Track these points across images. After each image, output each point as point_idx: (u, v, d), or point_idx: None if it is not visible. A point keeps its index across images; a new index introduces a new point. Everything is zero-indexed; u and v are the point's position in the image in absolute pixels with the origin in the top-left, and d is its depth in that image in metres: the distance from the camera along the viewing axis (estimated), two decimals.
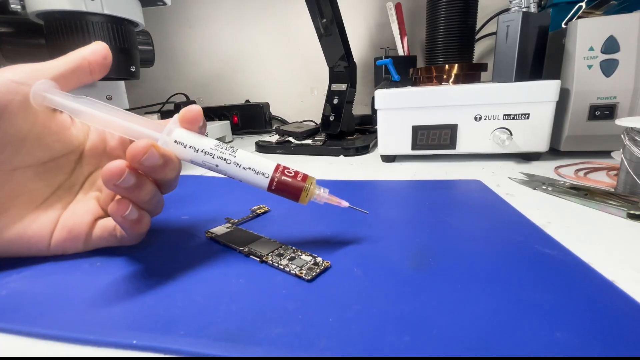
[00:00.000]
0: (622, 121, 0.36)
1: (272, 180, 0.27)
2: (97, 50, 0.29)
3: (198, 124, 0.28)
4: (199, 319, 0.21)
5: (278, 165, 0.28)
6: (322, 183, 0.47)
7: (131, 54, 0.53)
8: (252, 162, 0.27)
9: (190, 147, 0.27)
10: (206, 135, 0.29)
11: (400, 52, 0.80)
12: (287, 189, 0.27)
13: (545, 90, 0.49)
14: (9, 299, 0.23)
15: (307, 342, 0.18)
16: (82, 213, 0.29)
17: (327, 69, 0.74)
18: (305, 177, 0.28)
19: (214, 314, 0.21)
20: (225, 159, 0.27)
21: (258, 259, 0.27)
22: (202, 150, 0.27)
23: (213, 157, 0.27)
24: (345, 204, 0.30)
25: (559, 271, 0.24)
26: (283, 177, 0.27)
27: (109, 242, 0.30)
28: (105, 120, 0.26)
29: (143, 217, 0.27)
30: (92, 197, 0.30)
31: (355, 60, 0.73)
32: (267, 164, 0.28)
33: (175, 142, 0.27)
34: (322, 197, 0.29)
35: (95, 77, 0.30)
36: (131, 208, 0.26)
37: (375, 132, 0.74)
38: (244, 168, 0.27)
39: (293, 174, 0.28)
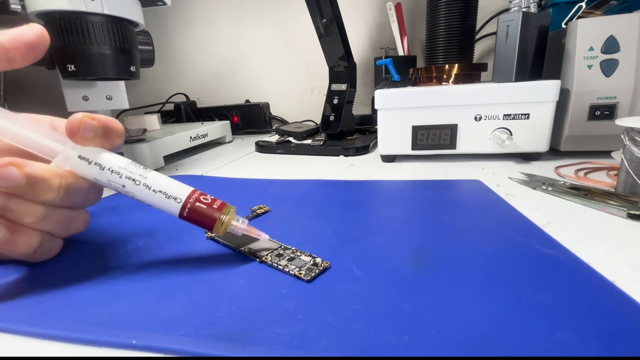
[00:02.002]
0: (622, 121, 0.36)
1: (184, 206, 0.25)
2: (20, 36, 0.24)
3: (79, 135, 0.25)
4: (198, 318, 0.21)
5: (194, 191, 0.26)
6: (322, 183, 0.47)
7: (131, 54, 0.53)
8: (163, 185, 0.26)
9: (95, 164, 0.25)
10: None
11: (400, 52, 0.80)
12: (201, 217, 0.26)
13: (545, 90, 0.49)
14: (9, 299, 0.23)
15: (307, 342, 0.18)
16: None
17: (327, 68, 0.74)
18: (222, 206, 0.26)
19: (213, 314, 0.21)
20: (134, 180, 0.25)
21: (257, 259, 0.27)
22: (108, 169, 0.25)
23: (120, 177, 0.25)
24: (265, 236, 0.28)
25: (558, 271, 0.24)
26: (197, 204, 0.26)
27: None
28: None
29: (17, 237, 0.25)
30: None
31: (355, 60, 0.73)
32: (181, 188, 0.26)
33: (80, 157, 0.25)
34: (240, 228, 0.27)
35: (15, 65, 0.25)
36: None
37: (375, 132, 0.74)
38: (154, 191, 0.25)
39: (209, 201, 0.26)
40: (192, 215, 0.26)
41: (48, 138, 0.25)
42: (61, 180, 0.25)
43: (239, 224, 0.27)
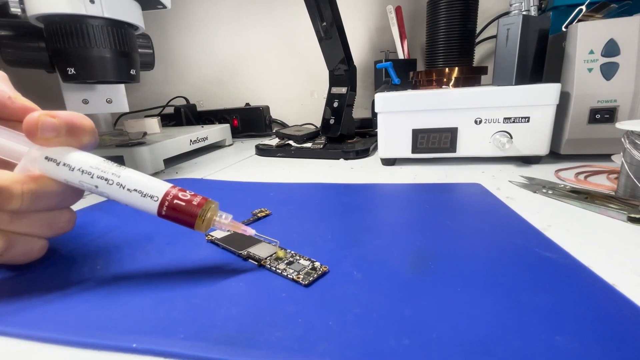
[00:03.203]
0: (623, 124, 0.36)
1: (161, 204, 0.24)
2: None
3: (39, 135, 0.24)
4: (198, 322, 0.21)
5: (171, 187, 0.25)
6: (323, 186, 0.47)
7: (131, 57, 0.53)
8: (138, 183, 0.24)
9: (64, 164, 0.24)
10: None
11: (401, 56, 0.80)
12: (180, 215, 0.25)
13: (546, 94, 0.49)
14: (9, 302, 0.23)
15: (307, 346, 0.18)
16: None
17: (327, 72, 0.74)
18: (202, 202, 0.25)
19: (213, 317, 0.21)
20: (106, 179, 0.24)
21: (256, 263, 0.27)
22: (78, 169, 0.24)
23: (92, 177, 0.24)
24: (251, 232, 0.27)
25: (559, 274, 0.24)
26: (175, 202, 0.24)
27: None
28: None
29: None
30: None
31: (355, 63, 0.73)
32: (158, 185, 0.25)
33: (47, 158, 0.24)
34: (223, 224, 0.26)
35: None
36: None
37: (375, 135, 0.74)
38: (128, 190, 0.24)
39: (188, 197, 0.25)
40: (171, 214, 0.25)
41: (14, 140, 0.24)
42: (23, 186, 0.23)
43: (223, 220, 0.26)
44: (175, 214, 0.25)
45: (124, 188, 0.24)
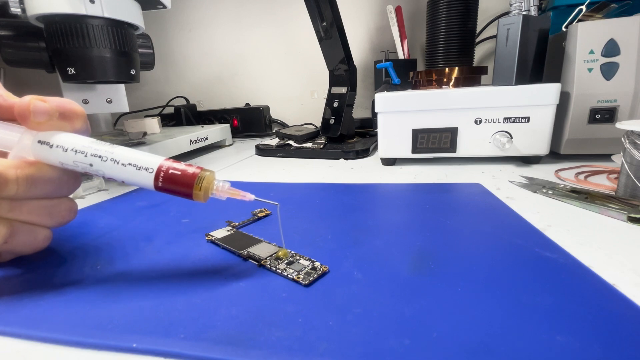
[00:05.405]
0: (623, 124, 0.36)
1: (157, 175, 0.24)
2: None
3: (31, 119, 0.24)
4: (199, 322, 0.21)
5: (165, 160, 0.25)
6: (322, 187, 0.47)
7: (131, 57, 0.53)
8: (132, 158, 0.24)
9: (57, 146, 0.24)
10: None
11: (401, 56, 0.80)
12: (177, 185, 0.24)
13: (546, 94, 0.49)
14: (9, 301, 0.23)
15: (307, 346, 0.18)
16: None
17: (327, 72, 0.74)
18: (197, 172, 0.25)
19: (214, 317, 0.21)
20: (100, 157, 0.24)
21: (256, 263, 0.27)
22: (72, 149, 0.24)
23: (85, 156, 0.24)
24: (250, 197, 0.26)
25: (559, 274, 0.24)
26: (171, 172, 0.24)
27: None
28: None
29: None
30: None
31: (355, 63, 0.73)
32: (151, 158, 0.25)
33: (40, 142, 0.24)
34: (222, 192, 0.26)
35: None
36: None
37: (375, 135, 0.74)
38: (123, 165, 0.24)
39: (183, 167, 0.25)
40: (168, 185, 0.24)
41: (5, 130, 0.24)
42: (17, 171, 0.24)
43: (221, 187, 0.26)
44: (172, 185, 0.24)
45: (118, 163, 0.24)
